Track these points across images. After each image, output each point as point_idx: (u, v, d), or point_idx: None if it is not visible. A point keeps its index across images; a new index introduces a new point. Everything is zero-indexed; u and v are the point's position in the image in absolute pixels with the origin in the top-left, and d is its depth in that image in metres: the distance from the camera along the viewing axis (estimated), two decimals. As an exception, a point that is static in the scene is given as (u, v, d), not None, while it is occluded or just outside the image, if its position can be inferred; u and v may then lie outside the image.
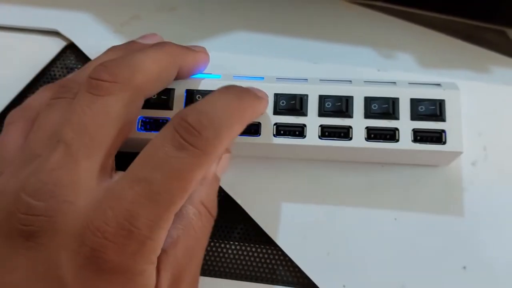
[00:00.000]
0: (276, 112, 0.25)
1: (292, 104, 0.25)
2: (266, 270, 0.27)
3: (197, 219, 0.23)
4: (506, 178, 0.28)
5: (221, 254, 0.28)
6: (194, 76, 0.27)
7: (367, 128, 0.25)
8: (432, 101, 0.25)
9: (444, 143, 0.25)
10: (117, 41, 0.33)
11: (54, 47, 0.34)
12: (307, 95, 0.26)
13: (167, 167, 0.19)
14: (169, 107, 0.26)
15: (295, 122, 0.25)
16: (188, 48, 0.25)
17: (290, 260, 0.27)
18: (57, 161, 0.20)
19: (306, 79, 0.27)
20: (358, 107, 0.25)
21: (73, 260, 0.19)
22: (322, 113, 0.25)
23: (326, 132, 0.25)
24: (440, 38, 0.35)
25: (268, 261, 0.27)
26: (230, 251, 0.28)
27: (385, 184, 0.27)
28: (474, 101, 0.29)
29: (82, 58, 0.33)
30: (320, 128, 0.25)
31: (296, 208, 0.27)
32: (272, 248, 0.27)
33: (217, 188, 0.25)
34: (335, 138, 0.25)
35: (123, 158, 0.23)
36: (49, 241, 0.19)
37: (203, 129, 0.20)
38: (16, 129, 0.24)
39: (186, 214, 0.22)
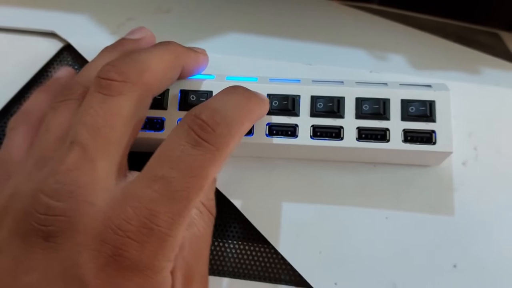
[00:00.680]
0: (269, 112, 0.26)
1: (285, 104, 0.26)
2: (259, 268, 0.27)
3: (199, 219, 0.23)
4: (496, 178, 0.28)
5: (214, 252, 0.28)
6: (190, 78, 0.27)
7: (358, 128, 0.25)
8: (423, 102, 0.25)
9: (434, 143, 0.25)
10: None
11: (51, 48, 0.34)
12: (299, 96, 0.26)
13: (184, 164, 0.20)
14: (164, 107, 0.26)
15: (287, 122, 0.26)
16: (190, 48, 0.26)
17: (282, 258, 0.27)
18: (73, 162, 0.20)
19: (299, 80, 0.27)
20: (350, 108, 0.26)
21: (94, 259, 0.19)
22: (314, 113, 0.26)
23: (318, 132, 0.26)
24: (433, 40, 0.36)
25: (261, 259, 0.28)
26: (223, 249, 0.28)
27: (376, 184, 0.28)
28: (465, 102, 0.29)
29: (79, 59, 0.33)
30: (312, 128, 0.26)
31: (288, 207, 0.28)
32: (265, 246, 0.28)
33: (214, 188, 0.26)
34: (327, 138, 0.26)
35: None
36: (68, 241, 0.19)
37: (217, 125, 0.20)
38: (19, 134, 0.25)
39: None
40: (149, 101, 0.23)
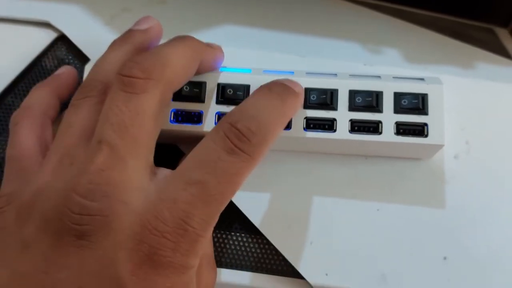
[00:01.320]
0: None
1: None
2: (251, 259, 0.28)
3: None
4: (487, 172, 0.28)
5: (207, 243, 0.28)
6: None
7: (351, 120, 0.26)
8: (415, 95, 0.26)
9: (426, 136, 0.25)
10: (108, 33, 0.33)
11: (45, 38, 0.34)
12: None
13: (220, 171, 0.21)
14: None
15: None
16: (207, 44, 0.26)
17: (274, 249, 0.27)
18: (103, 162, 0.20)
19: (293, 72, 0.27)
20: (343, 100, 0.26)
21: (130, 258, 0.20)
22: (307, 105, 0.26)
23: (311, 124, 0.26)
24: (427, 34, 0.36)
25: (253, 250, 0.28)
26: (215, 240, 0.28)
27: (368, 176, 0.28)
28: (459, 96, 0.30)
29: (73, 50, 0.33)
30: (305, 120, 0.26)
31: (281, 198, 0.28)
32: (258, 237, 0.28)
33: None
34: (320, 130, 0.26)
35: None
36: (104, 240, 0.20)
37: (252, 136, 0.21)
38: (24, 128, 0.25)
39: None
40: (170, 96, 0.23)
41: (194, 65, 0.25)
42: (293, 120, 0.26)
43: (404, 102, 0.26)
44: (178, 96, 0.26)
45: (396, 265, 0.27)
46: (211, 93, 0.26)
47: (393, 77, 0.26)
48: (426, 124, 0.25)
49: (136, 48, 0.25)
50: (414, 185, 0.28)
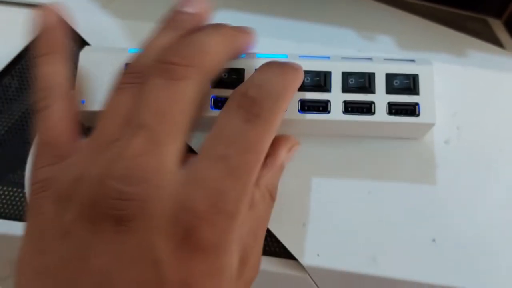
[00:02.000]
0: None
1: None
2: (243, 238, 0.28)
3: (261, 201, 0.24)
4: (476, 157, 0.29)
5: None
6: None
7: (344, 101, 0.26)
8: (406, 76, 0.26)
9: (418, 115, 0.26)
10: (105, 16, 0.34)
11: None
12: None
13: (239, 140, 0.21)
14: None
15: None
16: (240, 29, 0.26)
17: (267, 230, 0.28)
18: (140, 146, 0.20)
19: (286, 55, 0.27)
20: (336, 82, 0.26)
21: (168, 241, 0.20)
22: (301, 87, 0.26)
23: (306, 106, 0.26)
24: (422, 23, 0.36)
25: (245, 229, 0.28)
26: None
27: (361, 158, 0.28)
28: (451, 83, 0.30)
29: (72, 34, 0.34)
30: (299, 102, 0.26)
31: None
32: (250, 218, 0.28)
33: (280, 176, 0.26)
34: (314, 112, 0.26)
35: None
36: (141, 225, 0.20)
37: (264, 100, 0.21)
38: (54, 112, 0.24)
39: (252, 197, 0.23)
40: (209, 83, 0.24)
41: (230, 52, 0.25)
42: None
43: (396, 82, 0.26)
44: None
45: (387, 247, 0.27)
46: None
47: (385, 59, 0.27)
48: (417, 104, 0.26)
49: (182, 36, 0.25)
50: (405, 168, 0.28)
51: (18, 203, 0.31)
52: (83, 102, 0.27)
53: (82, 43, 0.33)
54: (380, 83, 0.26)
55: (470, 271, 0.27)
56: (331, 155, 0.28)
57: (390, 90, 0.26)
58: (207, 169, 0.21)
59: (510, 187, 0.28)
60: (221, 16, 0.33)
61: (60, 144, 0.24)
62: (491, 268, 0.27)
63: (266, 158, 0.25)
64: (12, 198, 0.31)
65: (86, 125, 0.29)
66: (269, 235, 0.28)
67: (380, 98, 0.26)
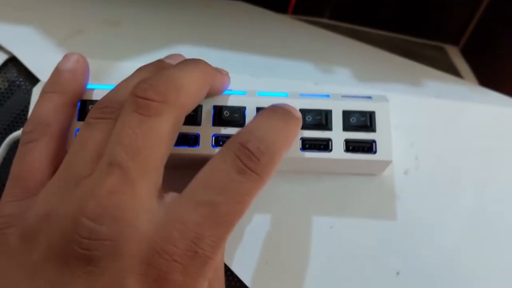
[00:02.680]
0: (215, 123, 0.26)
1: (235, 116, 0.26)
2: (205, 280, 0.27)
3: None
4: (436, 186, 0.29)
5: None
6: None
7: (302, 138, 0.26)
8: (363, 113, 0.26)
9: (375, 152, 0.26)
10: (60, 55, 0.33)
11: (-5, 60, 0.33)
12: (245, 107, 0.26)
13: (231, 191, 0.20)
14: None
15: (189, 132, 0.26)
16: (217, 69, 0.26)
17: (229, 269, 0.27)
18: (113, 184, 0.20)
19: (245, 92, 0.27)
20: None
21: (139, 283, 0.19)
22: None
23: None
24: (379, 54, 0.37)
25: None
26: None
27: (321, 194, 0.28)
28: (407, 113, 0.30)
29: (24, 72, 0.33)
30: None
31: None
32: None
33: None
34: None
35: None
36: (112, 265, 0.19)
37: (261, 156, 0.21)
38: (38, 148, 0.24)
39: None
40: (183, 120, 0.23)
41: (205, 90, 0.24)
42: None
43: (353, 120, 0.26)
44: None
45: (350, 283, 0.27)
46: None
47: (342, 96, 0.27)
48: (374, 141, 0.26)
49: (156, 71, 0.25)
50: (366, 201, 0.28)
51: None
52: None
53: (36, 81, 0.32)
54: (337, 120, 0.26)
55: (433, 303, 0.27)
56: (291, 192, 0.28)
57: (347, 127, 0.26)
58: (189, 212, 0.20)
59: (472, 214, 0.28)
60: (179, 51, 0.33)
61: (32, 180, 0.23)
62: (454, 299, 0.27)
63: None
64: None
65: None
66: (232, 275, 0.27)
67: (337, 135, 0.26)
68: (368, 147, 0.26)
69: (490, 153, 0.30)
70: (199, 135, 0.26)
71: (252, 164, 0.21)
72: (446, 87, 0.34)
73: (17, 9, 0.36)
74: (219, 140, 0.26)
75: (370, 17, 0.48)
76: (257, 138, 0.21)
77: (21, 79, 0.33)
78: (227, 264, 0.27)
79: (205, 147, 0.26)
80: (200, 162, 0.22)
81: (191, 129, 0.26)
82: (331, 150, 0.26)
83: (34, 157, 0.23)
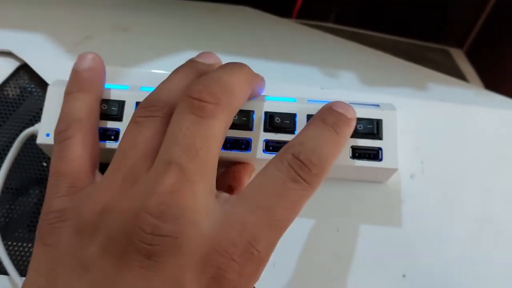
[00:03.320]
0: (266, 129, 0.27)
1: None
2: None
3: None
4: (441, 190, 0.29)
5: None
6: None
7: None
8: (370, 121, 0.27)
9: (381, 160, 0.26)
10: (70, 61, 0.33)
11: (7, 67, 0.34)
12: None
13: (285, 197, 0.21)
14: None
15: (241, 136, 0.27)
16: (256, 73, 0.27)
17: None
18: (173, 182, 0.20)
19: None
20: (260, 122, 0.27)
21: (197, 280, 0.20)
22: (266, 128, 0.27)
23: (270, 147, 0.27)
24: (384, 58, 0.37)
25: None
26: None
27: (327, 198, 0.29)
28: (412, 117, 0.31)
29: (35, 78, 0.33)
30: (264, 143, 0.27)
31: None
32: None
33: None
34: (275, 152, 0.26)
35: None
36: (172, 261, 0.19)
37: (313, 167, 0.22)
38: (76, 144, 0.24)
39: None
40: (231, 123, 0.24)
41: (249, 93, 0.25)
42: (252, 142, 0.27)
43: (360, 127, 0.27)
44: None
45: (358, 284, 0.27)
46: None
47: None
48: (380, 149, 0.26)
49: (202, 74, 0.25)
50: (372, 205, 0.29)
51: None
52: (48, 135, 0.27)
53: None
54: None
55: (439, 305, 0.27)
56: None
57: (354, 134, 0.26)
58: (247, 214, 0.21)
59: (477, 218, 0.29)
60: (187, 58, 0.34)
61: (76, 175, 0.24)
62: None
63: (234, 190, 0.26)
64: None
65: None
66: (241, 278, 0.28)
67: None
68: (374, 154, 0.26)
69: (495, 157, 0.30)
70: (251, 140, 0.27)
71: (304, 174, 0.22)
72: (451, 90, 0.34)
73: (27, 17, 0.37)
74: (270, 146, 0.27)
75: (375, 21, 0.49)
76: (308, 150, 0.22)
77: (32, 86, 0.34)
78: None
79: (256, 151, 0.27)
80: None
81: (243, 134, 0.27)
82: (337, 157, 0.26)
83: (73, 153, 0.24)
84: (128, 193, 0.21)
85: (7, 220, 0.31)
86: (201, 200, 0.21)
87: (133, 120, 0.24)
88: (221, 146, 0.23)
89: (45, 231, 0.22)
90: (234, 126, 0.27)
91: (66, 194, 0.23)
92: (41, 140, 0.27)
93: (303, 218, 0.28)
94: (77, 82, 0.27)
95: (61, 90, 0.27)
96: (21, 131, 0.31)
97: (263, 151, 0.27)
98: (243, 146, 0.27)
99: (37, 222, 0.30)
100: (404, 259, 0.28)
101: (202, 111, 0.22)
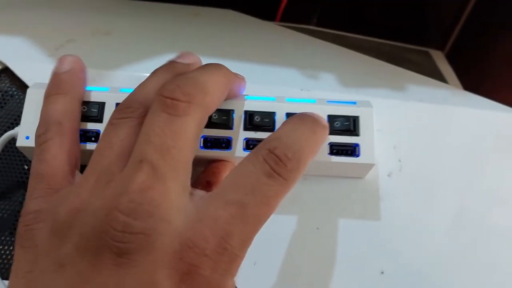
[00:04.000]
0: (246, 128, 0.27)
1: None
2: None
3: None
4: (419, 188, 0.30)
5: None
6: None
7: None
8: (347, 118, 0.27)
9: (358, 156, 0.27)
10: (52, 64, 0.34)
11: (-12, 71, 0.34)
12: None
13: (259, 193, 0.21)
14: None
15: (222, 135, 0.27)
16: (235, 73, 0.27)
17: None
18: (145, 181, 0.21)
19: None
20: (240, 120, 0.27)
21: (170, 277, 0.20)
22: (247, 127, 0.27)
23: (251, 145, 0.27)
24: (364, 59, 0.38)
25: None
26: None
27: (307, 195, 0.29)
28: (390, 117, 0.31)
29: (17, 82, 0.34)
30: (244, 141, 0.27)
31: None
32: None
33: None
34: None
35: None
36: (144, 258, 0.20)
37: (288, 161, 0.22)
38: (55, 146, 0.25)
39: None
40: (206, 121, 0.24)
41: (226, 92, 0.26)
42: (233, 141, 0.27)
43: (337, 124, 0.27)
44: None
45: (336, 282, 0.28)
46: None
47: (327, 101, 0.28)
48: (357, 145, 0.27)
49: (179, 74, 0.25)
50: (351, 203, 0.29)
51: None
52: (27, 138, 0.27)
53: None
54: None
55: (417, 301, 0.27)
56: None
57: (331, 131, 0.27)
58: (220, 210, 0.21)
59: (453, 215, 0.29)
60: (168, 58, 0.34)
61: (53, 177, 0.24)
62: (438, 297, 0.28)
63: (212, 186, 0.26)
64: None
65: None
66: (222, 277, 0.28)
67: None
68: (351, 150, 0.27)
69: (471, 155, 0.31)
70: (231, 139, 0.27)
71: (279, 169, 0.22)
72: (429, 91, 0.35)
73: (9, 21, 0.37)
74: (250, 144, 0.27)
75: (357, 24, 0.49)
76: (285, 145, 0.23)
77: (14, 89, 0.34)
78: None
79: (237, 150, 0.27)
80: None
81: (223, 133, 0.27)
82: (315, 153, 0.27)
83: (52, 155, 0.24)
84: (101, 193, 0.21)
85: (-12, 222, 0.31)
86: (173, 197, 0.21)
87: (110, 122, 0.24)
88: (195, 144, 0.23)
89: (22, 233, 0.22)
90: (214, 125, 0.27)
91: (42, 195, 0.23)
92: (20, 143, 0.28)
93: (282, 215, 0.29)
94: (56, 84, 0.27)
95: (41, 93, 0.27)
96: (2, 134, 0.31)
97: (244, 149, 0.27)
98: (223, 145, 0.27)
99: (19, 225, 0.30)
100: (382, 256, 0.28)
101: (175, 110, 0.22)
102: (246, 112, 0.28)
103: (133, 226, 0.20)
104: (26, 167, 0.32)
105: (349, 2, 0.52)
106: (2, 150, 0.30)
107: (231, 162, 0.28)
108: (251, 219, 0.21)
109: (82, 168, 0.25)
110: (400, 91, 0.34)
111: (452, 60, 0.48)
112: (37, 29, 0.35)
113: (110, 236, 0.20)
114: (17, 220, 0.30)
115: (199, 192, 0.23)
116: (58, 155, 0.24)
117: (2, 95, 0.34)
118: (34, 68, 0.33)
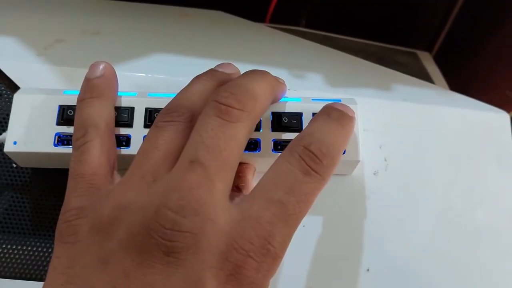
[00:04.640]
0: (274, 129, 0.28)
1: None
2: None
3: None
4: (404, 186, 0.30)
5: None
6: (315, 100, 0.28)
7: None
8: None
9: (343, 152, 0.27)
10: (41, 63, 0.34)
11: (-24, 70, 0.34)
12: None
13: (298, 191, 0.22)
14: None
15: (251, 137, 0.27)
16: (278, 78, 0.28)
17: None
18: (195, 180, 0.21)
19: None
20: (266, 122, 0.28)
21: (216, 277, 0.20)
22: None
23: (279, 146, 0.27)
24: (352, 60, 0.38)
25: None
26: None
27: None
28: (376, 116, 0.32)
29: (6, 80, 0.33)
30: (272, 142, 0.28)
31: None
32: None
33: None
34: (245, 150, 0.27)
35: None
36: (192, 257, 0.20)
37: (324, 158, 0.23)
38: (95, 147, 0.25)
39: None
40: (253, 129, 0.25)
41: (271, 99, 0.26)
42: (261, 143, 0.27)
43: None
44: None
45: (322, 279, 0.28)
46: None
47: (312, 99, 0.28)
48: None
49: (222, 83, 0.26)
50: (337, 201, 0.29)
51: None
52: (15, 143, 0.27)
53: (18, 89, 0.33)
54: (307, 122, 0.27)
55: (402, 297, 0.28)
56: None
57: None
58: (262, 210, 0.21)
59: (438, 213, 0.30)
60: (157, 59, 0.34)
61: (95, 176, 0.24)
62: (423, 293, 0.28)
63: (242, 190, 0.27)
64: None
65: (21, 165, 0.30)
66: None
67: None
68: None
69: (456, 154, 0.31)
70: (260, 140, 0.27)
71: (315, 165, 0.22)
72: (415, 91, 0.35)
73: (-2, 20, 0.37)
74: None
75: (345, 25, 0.50)
76: (318, 141, 0.23)
77: (2, 88, 0.34)
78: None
79: (265, 151, 0.27)
80: None
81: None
82: None
83: (92, 156, 0.25)
84: (148, 190, 0.22)
85: (-25, 221, 0.31)
86: (220, 197, 0.21)
87: (155, 125, 0.24)
88: (242, 150, 0.23)
89: (63, 229, 0.22)
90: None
91: (84, 193, 0.23)
92: (8, 148, 0.28)
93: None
94: (89, 89, 0.27)
95: (27, 98, 0.27)
96: (-10, 132, 0.31)
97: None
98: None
99: (8, 225, 0.30)
100: (368, 254, 0.28)
101: (228, 116, 0.23)
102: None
103: (181, 224, 0.20)
104: (14, 165, 0.32)
105: (338, 3, 0.53)
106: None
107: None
108: (291, 218, 0.22)
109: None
110: (387, 91, 0.34)
111: (439, 61, 0.49)
112: (26, 29, 0.36)
113: (159, 233, 0.20)
114: (6, 221, 0.31)
115: (238, 194, 0.23)
116: (98, 155, 0.25)
117: (-9, 94, 0.34)
118: (23, 68, 0.33)
